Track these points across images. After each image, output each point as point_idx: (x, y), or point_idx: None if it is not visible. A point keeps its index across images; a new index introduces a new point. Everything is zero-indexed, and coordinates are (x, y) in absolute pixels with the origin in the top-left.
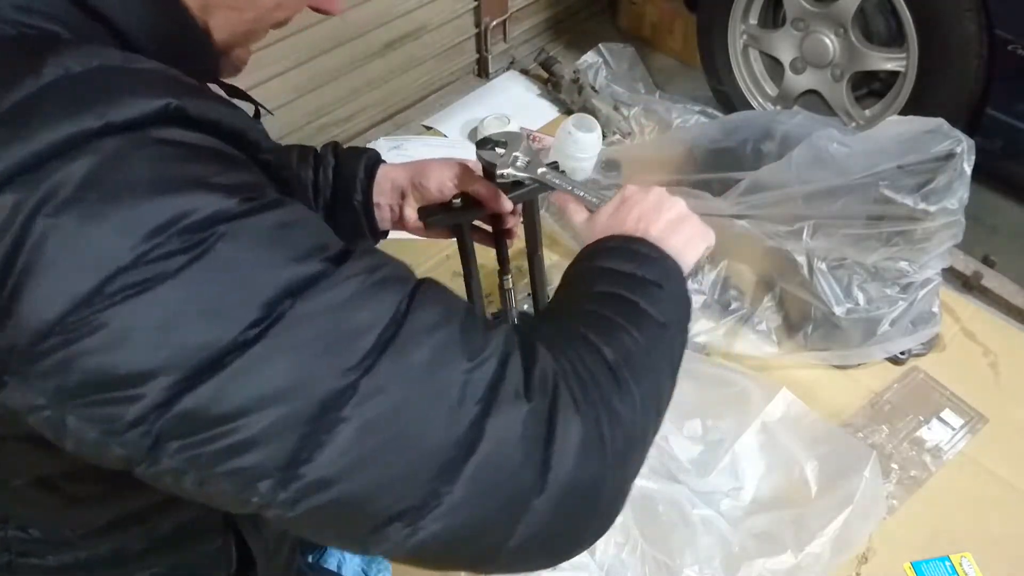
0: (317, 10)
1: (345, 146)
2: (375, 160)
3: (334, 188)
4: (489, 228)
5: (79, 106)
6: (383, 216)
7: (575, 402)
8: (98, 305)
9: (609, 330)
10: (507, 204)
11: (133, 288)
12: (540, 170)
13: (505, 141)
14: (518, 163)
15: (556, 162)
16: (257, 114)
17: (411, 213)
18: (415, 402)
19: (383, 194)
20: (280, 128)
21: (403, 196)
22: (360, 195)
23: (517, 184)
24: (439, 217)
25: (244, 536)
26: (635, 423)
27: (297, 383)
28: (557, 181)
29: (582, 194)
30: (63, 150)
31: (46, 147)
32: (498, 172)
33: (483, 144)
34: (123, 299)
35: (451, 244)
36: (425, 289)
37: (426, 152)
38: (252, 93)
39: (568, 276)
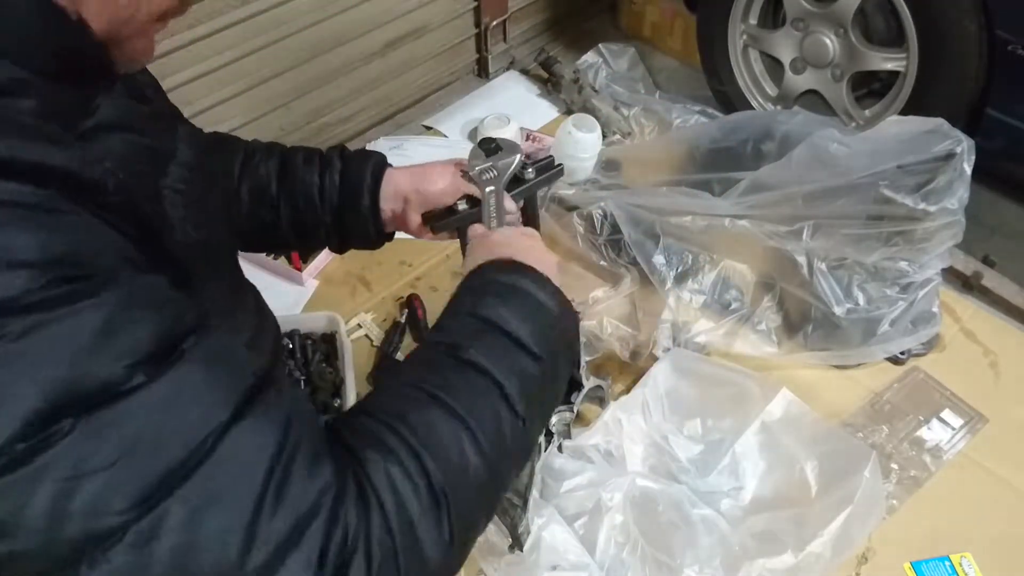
0: None
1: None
2: (381, 164)
3: (341, 193)
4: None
5: None
6: (386, 219)
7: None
8: None
9: (448, 448)
10: (511, 204)
11: None
12: (489, 188)
13: (497, 147)
14: (484, 175)
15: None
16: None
17: (413, 217)
18: (194, 546)
19: (386, 199)
20: (280, 128)
21: (406, 201)
22: (368, 200)
23: (516, 182)
24: (445, 222)
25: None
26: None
27: (59, 515)
28: (490, 207)
29: (494, 224)
30: None
31: None
32: (464, 168)
33: (483, 144)
34: None
35: (451, 245)
36: (251, 415)
37: (426, 152)
38: (252, 93)
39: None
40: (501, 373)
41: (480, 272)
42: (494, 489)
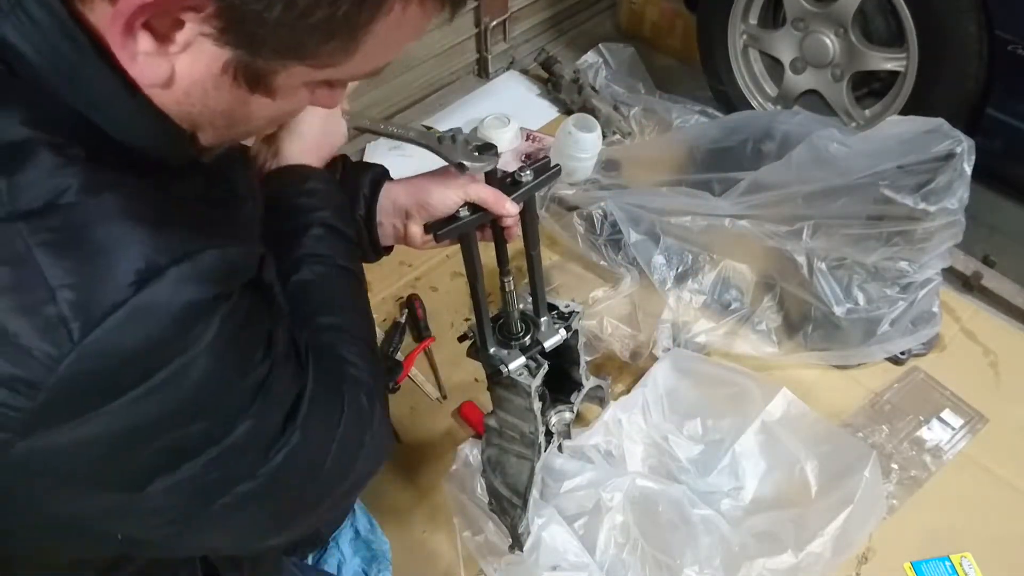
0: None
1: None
2: (380, 176)
3: None
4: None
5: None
6: (386, 233)
7: None
8: None
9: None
10: (512, 208)
11: None
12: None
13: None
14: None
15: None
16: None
17: (416, 230)
18: None
19: (386, 213)
20: None
21: (407, 215)
22: (363, 210)
23: (516, 185)
24: (448, 230)
25: (215, 564)
26: None
27: None
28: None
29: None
30: None
31: None
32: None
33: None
34: None
35: (451, 246)
36: None
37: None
38: None
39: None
40: (357, 267)
41: (303, 177)
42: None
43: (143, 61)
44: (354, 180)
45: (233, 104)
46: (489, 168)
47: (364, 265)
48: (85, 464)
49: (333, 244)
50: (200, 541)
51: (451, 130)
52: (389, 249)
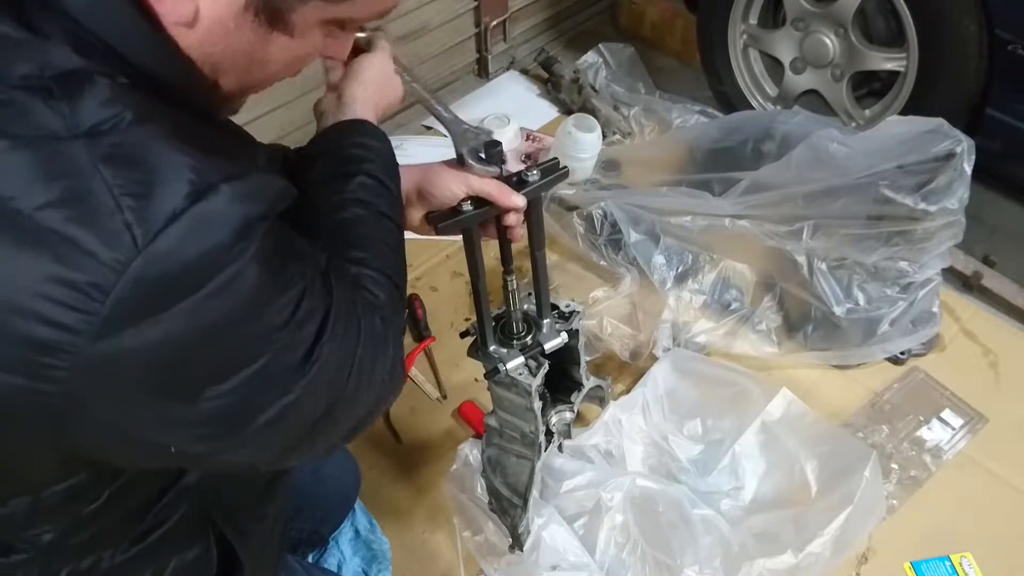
0: (326, 58)
1: None
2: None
3: None
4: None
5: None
6: None
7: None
8: None
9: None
10: (518, 200)
11: None
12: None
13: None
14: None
15: (556, 159)
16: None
17: (414, 214)
18: None
19: None
20: (280, 128)
21: (408, 201)
22: None
23: (522, 184)
24: (449, 223)
25: (229, 539)
26: None
27: None
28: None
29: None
30: None
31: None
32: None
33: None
34: None
35: (451, 244)
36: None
37: (426, 152)
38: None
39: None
40: (398, 217)
41: (360, 131)
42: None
43: (170, 1)
44: None
45: (253, 44)
46: (491, 174)
47: None
48: (147, 370)
49: (378, 193)
50: (241, 455)
51: (481, 128)
52: None
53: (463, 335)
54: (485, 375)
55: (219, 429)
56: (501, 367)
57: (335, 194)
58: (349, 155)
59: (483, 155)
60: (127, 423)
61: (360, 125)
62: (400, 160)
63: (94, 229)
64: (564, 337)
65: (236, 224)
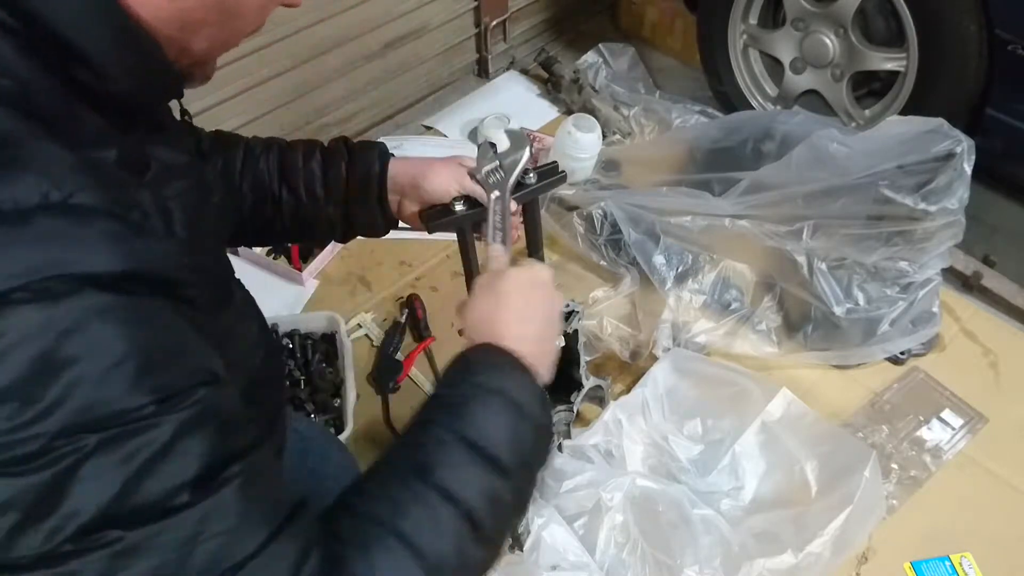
0: (285, 4)
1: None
2: (385, 153)
3: (348, 184)
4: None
5: (5, 260)
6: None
7: None
8: None
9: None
10: (512, 205)
11: None
12: (495, 194)
13: (506, 145)
14: (491, 177)
15: (555, 162)
16: (184, 114)
17: (407, 207)
18: None
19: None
20: (280, 128)
21: (402, 193)
22: (377, 190)
23: (519, 186)
24: (441, 222)
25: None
26: None
27: None
28: (496, 215)
29: (499, 237)
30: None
31: None
32: (471, 170)
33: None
34: None
35: (451, 244)
36: (278, 542)
37: (426, 152)
38: (253, 92)
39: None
40: (472, 499)
41: (471, 363)
42: None
43: None
44: (365, 159)
45: None
46: (492, 167)
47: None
48: None
49: (476, 478)
50: None
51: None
52: (396, 222)
53: (461, 332)
54: None
55: None
56: None
57: (424, 454)
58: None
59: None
60: None
61: (503, 363)
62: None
63: None
64: (560, 340)
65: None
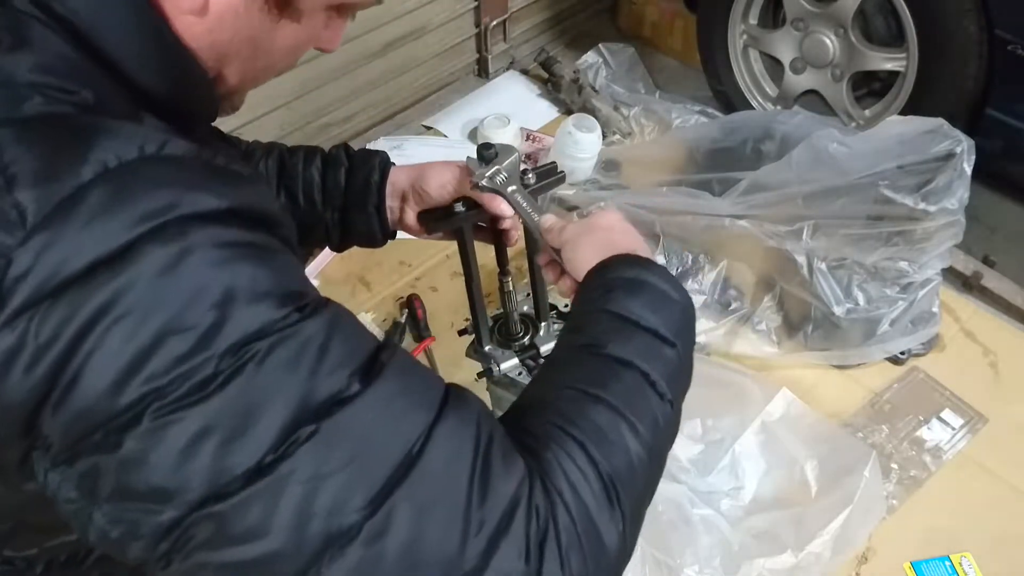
0: (318, 48)
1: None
2: (386, 162)
3: (348, 191)
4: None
5: (123, 212)
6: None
7: (560, 560)
8: (131, 424)
9: (612, 440)
10: (507, 207)
11: (164, 410)
12: (511, 188)
13: (495, 152)
14: (497, 178)
15: (554, 163)
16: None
17: (410, 214)
18: (420, 538)
19: (387, 196)
20: (280, 128)
21: (403, 199)
22: (376, 198)
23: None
24: (441, 222)
25: None
26: (621, 554)
27: (305, 515)
28: (523, 204)
29: (539, 213)
30: (112, 260)
31: (93, 259)
32: (472, 181)
33: (481, 150)
34: (153, 420)
35: (451, 244)
36: (449, 417)
37: (426, 152)
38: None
39: (578, 321)
40: (646, 363)
41: (603, 270)
42: (655, 471)
43: None
44: (365, 168)
45: (261, 30)
46: (492, 171)
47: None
48: None
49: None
50: None
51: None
52: (395, 234)
53: (461, 333)
54: (477, 375)
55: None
56: (495, 367)
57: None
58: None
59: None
60: None
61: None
62: (400, 161)
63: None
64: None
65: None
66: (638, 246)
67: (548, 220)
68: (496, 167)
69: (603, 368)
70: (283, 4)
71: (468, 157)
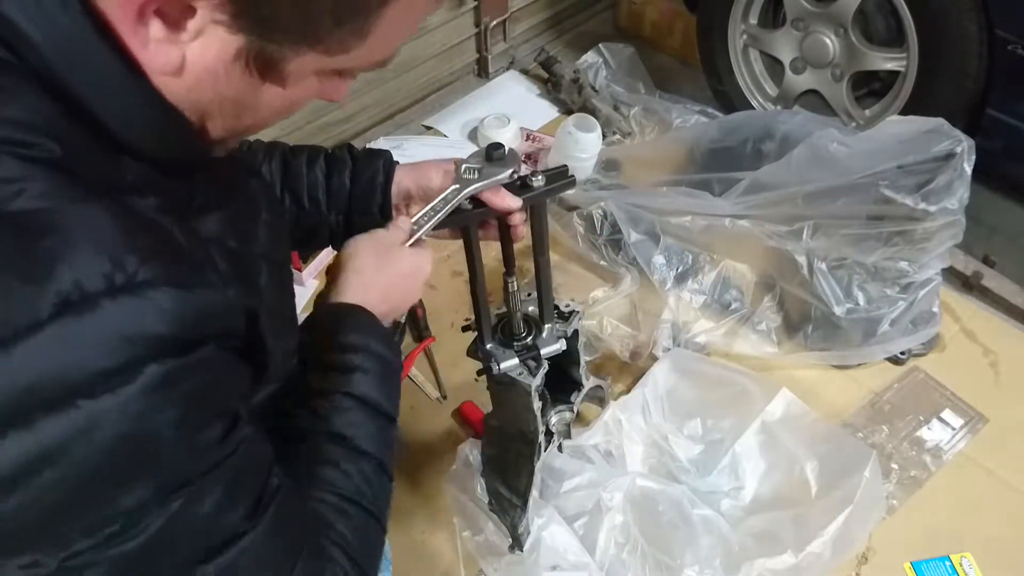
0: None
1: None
2: (390, 163)
3: (351, 194)
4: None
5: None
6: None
7: None
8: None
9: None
10: (513, 202)
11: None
12: (453, 187)
13: (501, 156)
14: (464, 174)
15: (565, 166)
16: None
17: (415, 212)
18: None
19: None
20: (280, 128)
21: (408, 197)
22: (380, 199)
23: (525, 188)
24: (449, 219)
25: None
26: None
27: None
28: (440, 202)
29: (423, 221)
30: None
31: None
32: (456, 162)
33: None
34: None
35: (451, 244)
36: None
37: (426, 152)
38: None
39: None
40: (381, 451)
41: (343, 323)
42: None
43: (154, 48)
44: (369, 168)
45: (244, 92)
46: (499, 179)
47: None
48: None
49: (359, 422)
50: None
51: (471, 162)
52: None
53: (465, 328)
54: (477, 372)
55: None
56: (494, 366)
57: (307, 418)
58: (329, 362)
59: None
60: None
61: (350, 317)
62: (400, 160)
63: None
64: (562, 344)
65: (109, 345)
66: (398, 293)
67: (402, 223)
68: (480, 166)
69: (351, 462)
70: (265, 70)
71: (481, 149)
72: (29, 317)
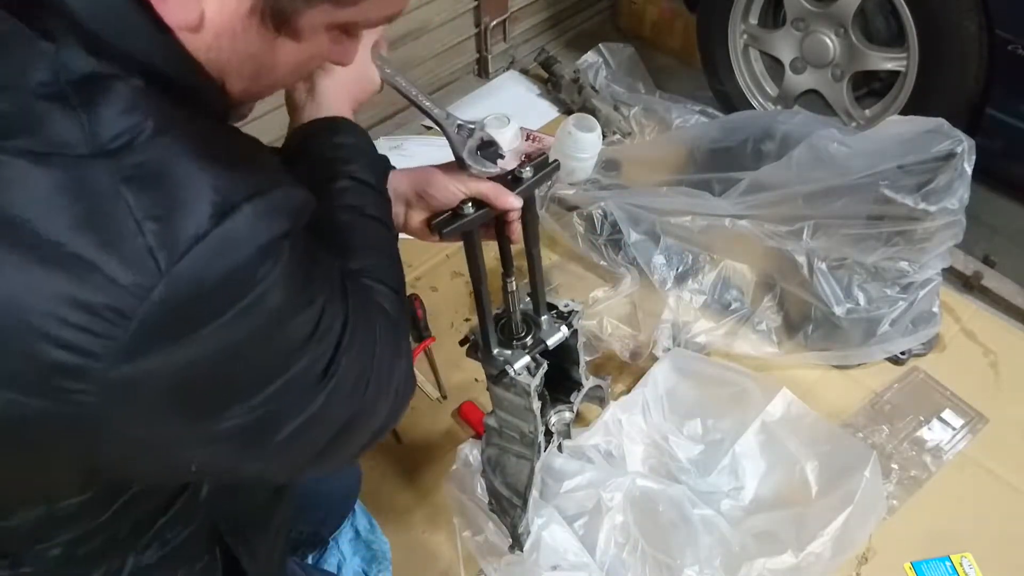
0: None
1: None
2: (386, 166)
3: None
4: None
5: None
6: None
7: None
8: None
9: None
10: (515, 201)
11: None
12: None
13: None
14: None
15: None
16: None
17: (414, 217)
18: None
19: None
20: (280, 128)
21: (407, 203)
22: None
23: (517, 181)
24: (453, 227)
25: (232, 551)
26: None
27: None
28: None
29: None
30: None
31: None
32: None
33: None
34: None
35: (451, 245)
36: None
37: (426, 152)
38: None
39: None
40: (384, 217)
41: (335, 130)
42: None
43: (174, 3)
44: None
45: (260, 48)
46: (491, 173)
47: None
48: (172, 392)
49: (362, 195)
50: (259, 469)
51: (472, 123)
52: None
53: (462, 343)
54: (492, 379)
55: (241, 445)
56: (509, 369)
57: (319, 202)
58: (327, 158)
59: (479, 154)
60: (153, 442)
61: (335, 123)
62: (400, 161)
63: (116, 253)
64: (565, 331)
65: (261, 243)
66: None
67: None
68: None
69: (371, 227)
70: (279, 23)
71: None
72: (194, 230)
